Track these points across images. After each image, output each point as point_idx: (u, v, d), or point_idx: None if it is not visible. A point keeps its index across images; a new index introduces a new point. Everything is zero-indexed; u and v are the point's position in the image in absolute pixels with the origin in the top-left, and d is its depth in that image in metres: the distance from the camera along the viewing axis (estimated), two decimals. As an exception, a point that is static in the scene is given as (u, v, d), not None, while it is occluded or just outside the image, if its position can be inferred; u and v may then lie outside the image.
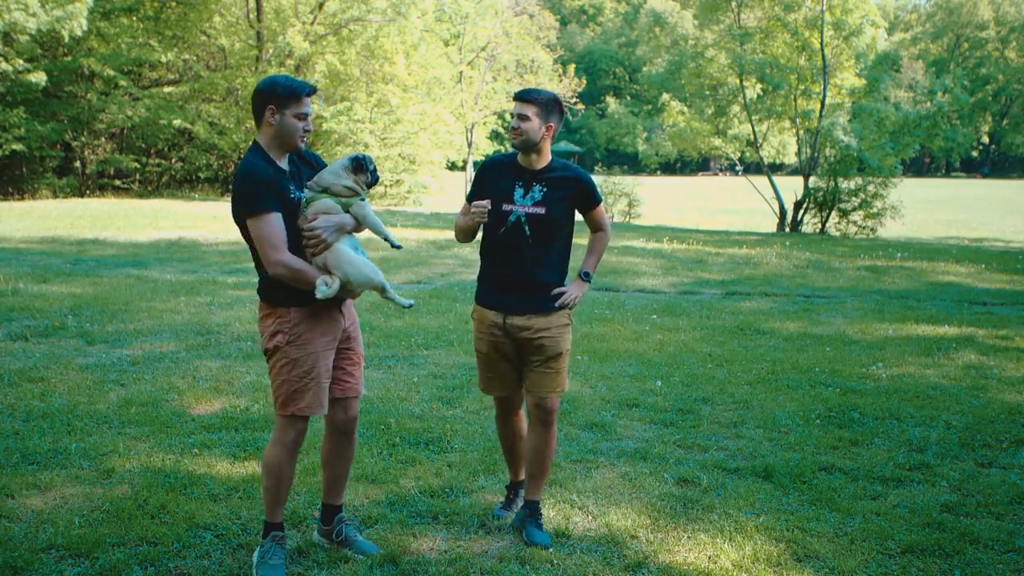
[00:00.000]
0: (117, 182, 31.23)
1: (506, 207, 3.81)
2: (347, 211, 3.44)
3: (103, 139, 31.08)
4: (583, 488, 4.45)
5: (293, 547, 3.70)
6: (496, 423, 4.20)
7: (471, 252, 3.79)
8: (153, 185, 32.60)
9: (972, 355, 7.77)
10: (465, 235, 4.00)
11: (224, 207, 23.88)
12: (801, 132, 25.36)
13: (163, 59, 29.69)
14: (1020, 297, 11.66)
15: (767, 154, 29.35)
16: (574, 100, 42.47)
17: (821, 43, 23.46)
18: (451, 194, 39.22)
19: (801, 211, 23.77)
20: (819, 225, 23.46)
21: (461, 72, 38.24)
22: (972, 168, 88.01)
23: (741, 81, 25.33)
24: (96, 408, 5.51)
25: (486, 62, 39.08)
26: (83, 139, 29.53)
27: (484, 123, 39.87)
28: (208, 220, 19.52)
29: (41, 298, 9.24)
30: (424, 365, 6.97)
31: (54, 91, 27.85)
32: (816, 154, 24.05)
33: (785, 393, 6.38)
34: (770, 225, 25.39)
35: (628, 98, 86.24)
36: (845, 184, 22.80)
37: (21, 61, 24.59)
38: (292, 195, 3.39)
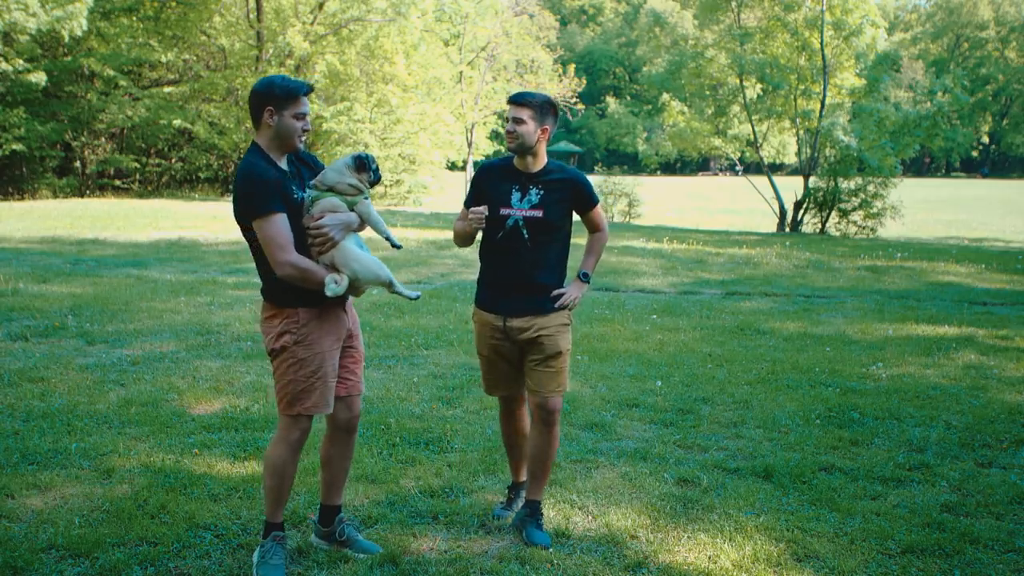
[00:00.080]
0: (117, 182, 31.24)
1: (503, 211, 3.82)
2: (352, 209, 3.45)
3: (103, 139, 31.09)
4: (583, 488, 4.45)
5: (293, 547, 3.70)
6: (500, 423, 4.21)
7: (471, 252, 3.80)
8: (153, 185, 32.60)
9: (972, 355, 7.77)
10: (464, 240, 4.02)
11: (224, 207, 23.88)
12: (801, 132, 25.36)
13: (163, 59, 29.69)
14: (1020, 297, 11.66)
15: (767, 154, 29.36)
16: (574, 100, 42.47)
17: (821, 43, 23.46)
18: (451, 194, 39.22)
19: (801, 211, 23.78)
20: (819, 225, 23.46)
21: (461, 72, 38.24)
22: (972, 168, 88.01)
23: (741, 81, 25.33)
24: (96, 408, 5.51)
25: (486, 62, 39.08)
26: (83, 139, 29.54)
27: (484, 123, 39.85)
28: (208, 220, 19.52)
29: (41, 298, 9.24)
30: (424, 365, 6.97)
31: (54, 91, 27.86)
32: (816, 154, 24.05)
33: (785, 393, 6.38)
34: (770, 225, 25.40)
35: (628, 98, 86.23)
36: (845, 184, 22.80)
37: (21, 61, 24.60)
38: (295, 195, 3.40)
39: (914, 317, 9.67)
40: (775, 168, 41.00)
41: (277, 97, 3.32)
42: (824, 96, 23.71)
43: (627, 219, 26.56)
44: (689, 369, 7.05)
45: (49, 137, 26.97)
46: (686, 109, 27.02)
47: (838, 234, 22.85)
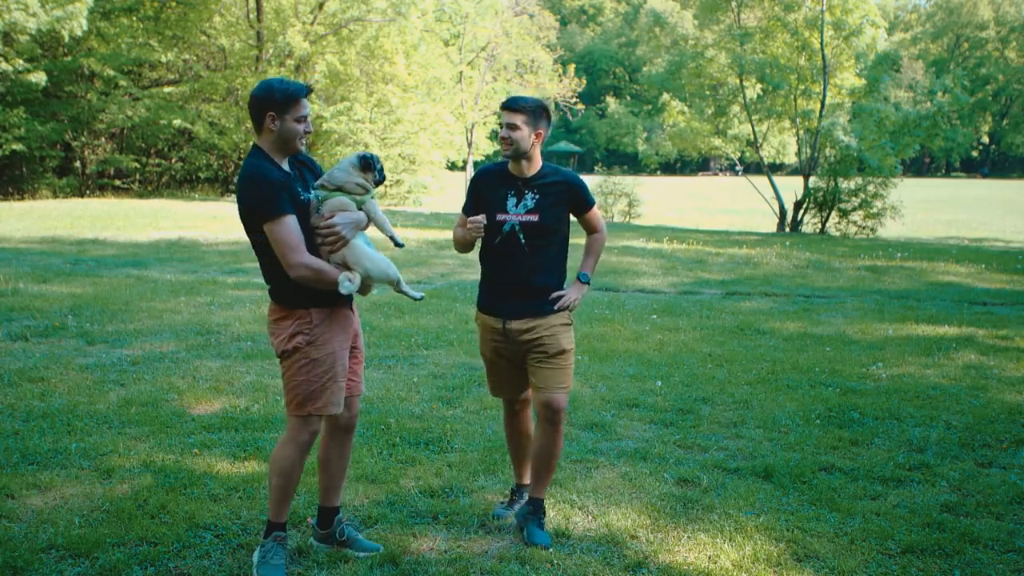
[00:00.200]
0: (117, 182, 31.23)
1: (500, 217, 3.85)
2: (360, 208, 3.48)
3: (103, 139, 31.08)
4: (583, 488, 4.45)
5: (293, 547, 3.70)
6: (504, 425, 4.23)
7: (471, 253, 3.81)
8: (153, 185, 32.59)
9: (972, 355, 7.77)
10: (464, 247, 4.07)
11: (224, 207, 23.89)
12: (801, 132, 25.37)
13: (163, 59, 29.69)
14: (1020, 297, 11.66)
15: (767, 154, 29.36)
16: (574, 100, 42.48)
17: (821, 43, 23.47)
18: (451, 194, 39.23)
19: (801, 211, 23.78)
20: (819, 225, 23.47)
21: (461, 72, 38.25)
22: (972, 168, 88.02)
23: (741, 81, 25.33)
24: (96, 408, 5.52)
25: (486, 62, 39.09)
26: (83, 139, 29.53)
27: (484, 123, 39.87)
28: (208, 220, 19.51)
29: (41, 298, 9.24)
30: (424, 365, 6.97)
31: (54, 91, 27.85)
32: (816, 154, 24.05)
33: (785, 393, 6.38)
34: (770, 225, 25.40)
35: (628, 98, 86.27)
36: (845, 184, 22.81)
37: (21, 61, 24.60)
38: (301, 196, 3.42)
39: (914, 317, 9.67)
40: (775, 168, 41.01)
41: (278, 102, 3.33)
42: (824, 96, 23.72)
43: (627, 219, 26.56)
44: (689, 369, 7.05)
45: (49, 137, 26.97)
46: (686, 109, 27.03)
47: (838, 234, 22.85)
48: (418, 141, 32.24)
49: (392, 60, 30.67)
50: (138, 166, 30.79)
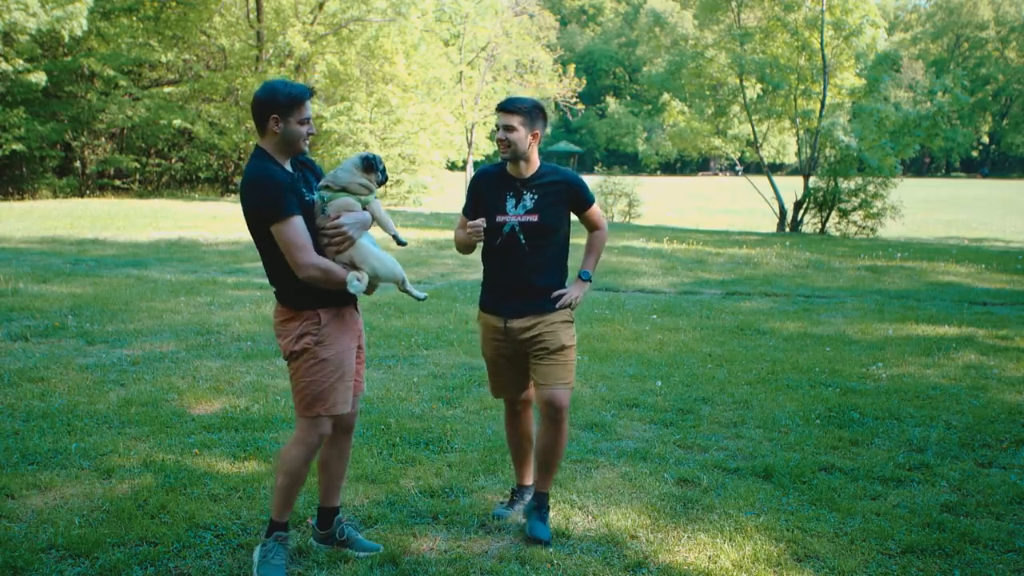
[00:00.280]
0: (117, 182, 31.22)
1: (499, 218, 3.86)
2: (364, 208, 3.49)
3: (103, 139, 31.08)
4: (583, 488, 4.45)
5: (293, 547, 3.70)
6: (505, 426, 4.23)
7: (472, 254, 3.82)
8: (153, 185, 32.59)
9: (972, 355, 7.77)
10: (465, 250, 4.08)
11: (224, 207, 23.90)
12: (801, 132, 25.36)
13: (163, 59, 29.69)
14: (1020, 297, 11.66)
15: (767, 154, 29.35)
16: (574, 100, 42.47)
17: (821, 43, 23.46)
18: (451, 194, 39.23)
19: (801, 211, 23.78)
20: (819, 225, 23.46)
21: (461, 72, 38.24)
22: (972, 168, 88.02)
23: (741, 81, 25.33)
24: (96, 408, 5.52)
25: (486, 62, 39.08)
26: (83, 139, 29.53)
27: (484, 123, 39.86)
28: (208, 220, 19.50)
29: (41, 298, 9.24)
30: (424, 365, 6.97)
31: (54, 91, 27.85)
32: (816, 154, 24.05)
33: (785, 393, 6.38)
34: (770, 225, 25.40)
35: (628, 98, 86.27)
36: (845, 184, 22.80)
37: (21, 61, 24.59)
38: (306, 197, 3.43)
39: (914, 317, 9.67)
40: (775, 168, 41.01)
41: (282, 105, 3.34)
42: (824, 96, 23.71)
43: (627, 219, 26.56)
44: (689, 369, 7.05)
45: (49, 137, 26.97)
46: (686, 109, 27.02)
47: (838, 234, 22.85)
48: (418, 141, 32.24)
49: (392, 60, 30.67)
50: (138, 166, 30.79)
